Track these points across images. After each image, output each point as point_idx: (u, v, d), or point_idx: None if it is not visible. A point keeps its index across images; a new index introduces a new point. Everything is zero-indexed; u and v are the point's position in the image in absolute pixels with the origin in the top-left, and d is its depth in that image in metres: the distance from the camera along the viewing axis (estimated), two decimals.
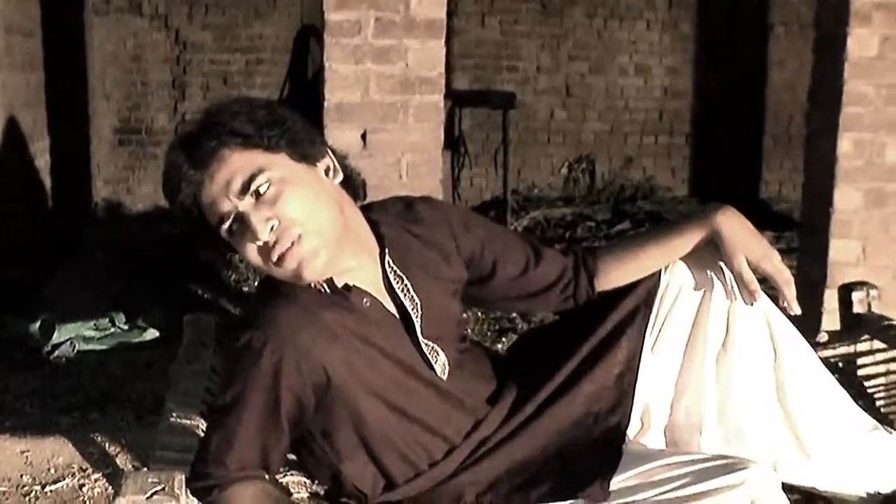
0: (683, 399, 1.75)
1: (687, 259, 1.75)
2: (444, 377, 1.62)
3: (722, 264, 1.72)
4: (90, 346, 4.25)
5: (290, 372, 1.46)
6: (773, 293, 1.76)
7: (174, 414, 1.98)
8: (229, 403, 1.49)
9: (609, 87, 7.77)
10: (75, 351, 4.20)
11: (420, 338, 1.60)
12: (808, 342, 1.84)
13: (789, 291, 1.71)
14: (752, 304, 1.70)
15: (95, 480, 2.64)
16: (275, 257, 1.47)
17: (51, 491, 2.61)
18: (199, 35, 7.32)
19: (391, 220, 1.67)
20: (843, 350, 2.74)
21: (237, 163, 1.47)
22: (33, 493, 2.61)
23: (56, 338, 4.19)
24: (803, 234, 4.09)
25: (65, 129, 5.98)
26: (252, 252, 1.48)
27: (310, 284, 1.52)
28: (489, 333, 4.53)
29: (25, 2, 5.22)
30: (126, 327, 4.46)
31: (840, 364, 2.71)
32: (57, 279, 4.93)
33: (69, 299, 4.60)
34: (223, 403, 1.50)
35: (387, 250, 1.61)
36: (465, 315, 1.75)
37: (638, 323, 1.71)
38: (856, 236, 3.74)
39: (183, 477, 1.34)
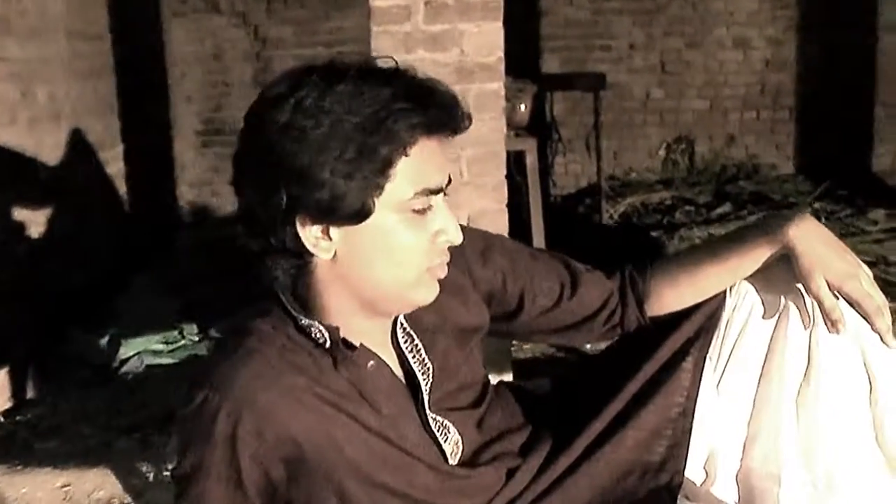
0: (758, 443, 1.46)
1: (756, 278, 1.46)
2: (456, 459, 1.36)
3: (800, 284, 1.42)
4: (160, 360, 4.11)
5: (250, 440, 1.22)
6: None
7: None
8: (189, 473, 1.26)
9: (707, 63, 7.35)
10: (144, 366, 4.06)
11: (428, 413, 1.34)
12: None
13: (881, 322, 1.39)
14: (835, 334, 1.39)
15: None
16: (443, 261, 1.28)
17: None
18: (279, 30, 7.17)
19: None
20: None
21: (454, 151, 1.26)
22: None
23: (123, 353, 4.06)
24: None
25: (145, 135, 5.89)
26: (423, 242, 1.25)
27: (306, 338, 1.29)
28: None
29: (90, 6, 5.12)
30: (197, 338, 4.30)
31: None
32: (131, 289, 4.82)
33: (140, 310, 4.47)
34: (184, 473, 1.27)
35: None
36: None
37: (695, 356, 1.43)
38: None
39: None
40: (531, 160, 5.64)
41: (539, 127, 6.42)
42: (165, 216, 6.56)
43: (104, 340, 4.14)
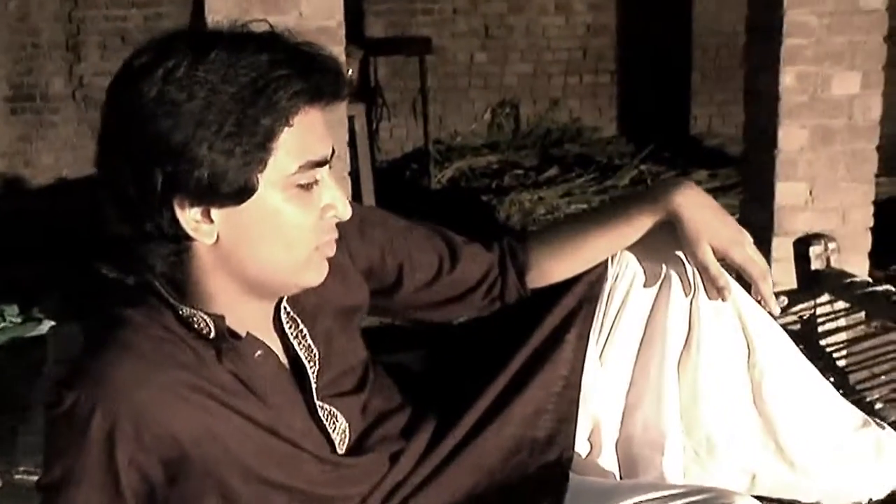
0: (640, 411, 1.46)
1: (638, 247, 1.45)
2: (343, 447, 1.29)
3: (681, 252, 1.42)
4: None
5: (128, 442, 1.11)
6: None
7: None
8: (59, 481, 1.13)
9: (530, 27, 7.41)
10: None
11: (316, 401, 1.26)
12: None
13: (765, 286, 1.41)
14: (721, 301, 1.40)
15: None
16: (332, 239, 1.21)
17: None
18: None
19: None
20: (801, 313, 2.48)
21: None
22: None
23: None
24: (745, 178, 3.82)
25: None
26: (311, 219, 1.16)
27: (178, 328, 1.18)
28: None
29: None
30: (19, 320, 4.05)
31: (798, 328, 2.46)
32: None
33: None
34: (51, 482, 1.14)
35: None
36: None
37: (579, 327, 1.41)
38: (802, 177, 3.47)
39: None
40: (360, 126, 5.56)
41: (364, 92, 6.35)
42: None
43: None
